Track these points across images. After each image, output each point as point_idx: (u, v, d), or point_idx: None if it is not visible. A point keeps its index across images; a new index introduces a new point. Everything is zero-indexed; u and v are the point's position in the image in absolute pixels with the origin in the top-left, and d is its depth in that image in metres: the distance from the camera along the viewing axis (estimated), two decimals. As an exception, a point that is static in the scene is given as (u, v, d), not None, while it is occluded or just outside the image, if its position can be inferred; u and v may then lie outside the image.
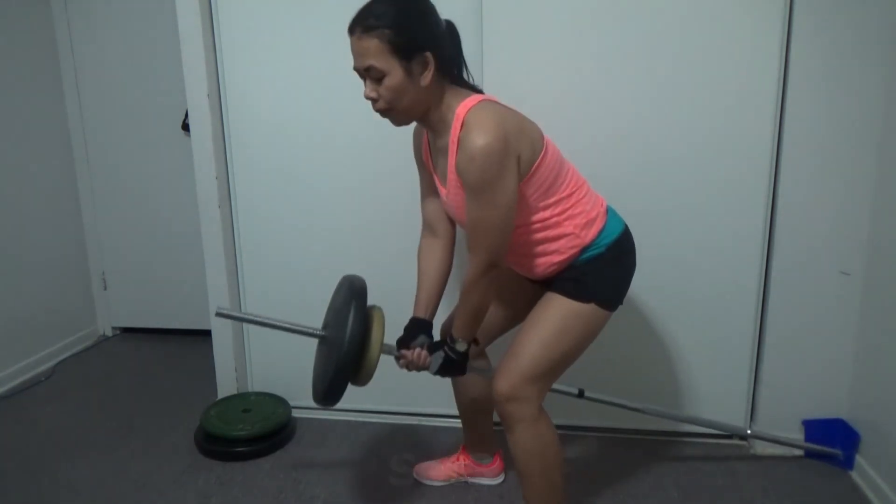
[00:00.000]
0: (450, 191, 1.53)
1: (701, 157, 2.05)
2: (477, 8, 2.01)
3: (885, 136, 1.93)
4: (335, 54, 2.14)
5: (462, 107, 1.44)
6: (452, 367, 1.62)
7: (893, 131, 1.89)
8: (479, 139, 1.37)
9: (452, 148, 1.45)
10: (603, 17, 1.99)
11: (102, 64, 3.02)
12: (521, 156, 1.44)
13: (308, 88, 2.24)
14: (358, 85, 1.50)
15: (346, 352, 1.49)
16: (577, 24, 2.01)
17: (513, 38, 2.04)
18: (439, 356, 1.61)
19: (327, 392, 1.54)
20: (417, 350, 1.62)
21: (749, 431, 2.13)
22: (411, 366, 1.63)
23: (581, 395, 1.84)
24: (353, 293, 1.56)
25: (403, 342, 1.65)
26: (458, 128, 1.43)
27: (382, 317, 1.61)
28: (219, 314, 1.60)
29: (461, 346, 1.59)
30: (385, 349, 1.60)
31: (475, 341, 1.62)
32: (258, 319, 1.65)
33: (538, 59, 2.04)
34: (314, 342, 1.68)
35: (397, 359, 1.64)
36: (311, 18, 2.18)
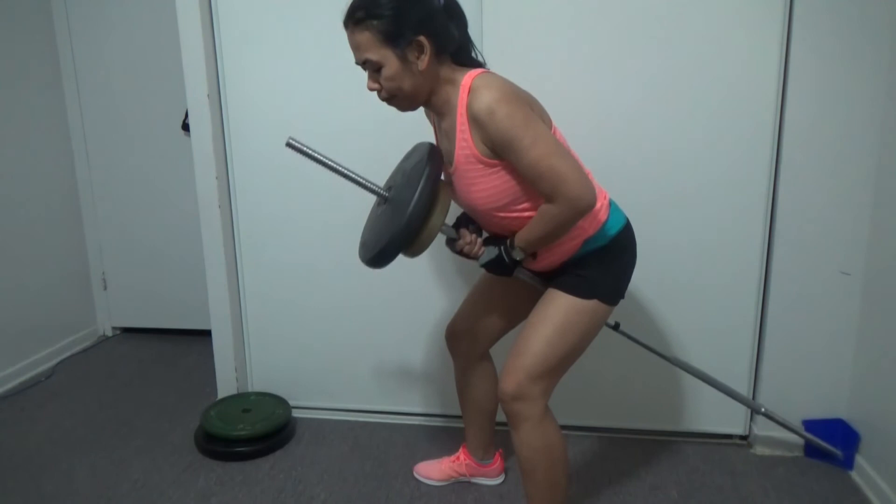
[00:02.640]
0: (457, 169, 1.52)
1: (701, 157, 2.05)
2: (477, 5, 2.02)
3: (885, 136, 1.93)
4: (335, 53, 2.13)
5: (467, 77, 1.44)
6: (501, 266, 1.58)
7: (893, 131, 1.89)
8: (489, 94, 1.38)
9: (461, 119, 1.44)
10: (603, 17, 1.99)
11: (102, 64, 3.02)
12: None
13: (308, 88, 2.24)
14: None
15: (411, 214, 1.43)
16: (577, 21, 2.01)
17: (512, 35, 2.04)
18: (493, 251, 1.58)
19: (380, 252, 1.49)
20: (475, 235, 1.60)
21: (763, 409, 2.04)
22: (466, 248, 1.60)
23: (617, 327, 1.86)
24: (428, 158, 1.51)
25: (462, 222, 1.63)
26: (465, 96, 1.42)
27: (449, 196, 1.56)
28: (289, 144, 1.53)
29: (518, 255, 1.55)
30: (444, 230, 1.56)
31: (533, 255, 1.59)
32: (327, 161, 1.55)
33: (536, 55, 2.04)
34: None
35: (452, 242, 1.62)
36: (311, 18, 2.18)
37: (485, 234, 1.65)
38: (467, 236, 1.60)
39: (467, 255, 1.61)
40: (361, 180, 1.57)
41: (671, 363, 1.97)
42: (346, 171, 1.56)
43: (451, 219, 1.63)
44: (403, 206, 1.45)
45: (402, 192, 1.51)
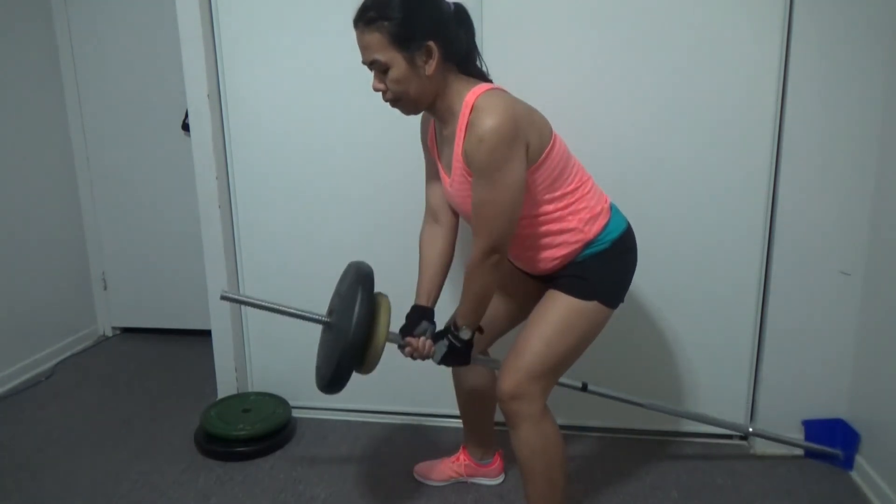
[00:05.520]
0: (454, 180, 1.53)
1: (701, 157, 2.05)
2: (477, 6, 2.01)
3: (885, 136, 1.93)
4: (335, 53, 2.15)
5: (471, 94, 1.45)
6: (457, 355, 1.60)
7: (893, 131, 1.89)
8: (489, 120, 1.37)
9: (460, 134, 1.45)
10: (602, 18, 1.99)
11: (102, 64, 3.02)
12: (529, 144, 1.44)
13: (308, 88, 2.24)
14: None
15: (352, 338, 1.47)
16: (576, 23, 2.01)
17: (513, 38, 2.04)
18: (443, 345, 1.60)
19: (333, 379, 1.52)
20: (422, 339, 1.61)
21: (750, 430, 2.13)
22: (416, 354, 1.61)
23: (584, 388, 1.84)
24: (359, 279, 1.55)
25: (407, 330, 1.63)
26: (468, 113, 1.43)
27: (389, 304, 1.60)
28: (224, 297, 1.59)
29: (465, 334, 1.57)
30: (391, 337, 1.58)
31: (479, 329, 1.61)
32: (263, 304, 1.62)
33: (537, 59, 2.04)
34: (316, 339, 1.69)
35: (401, 347, 1.63)
36: (312, 18, 2.18)
37: (429, 332, 1.63)
38: (413, 342, 1.61)
39: (421, 358, 1.62)
40: (301, 313, 1.63)
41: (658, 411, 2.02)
42: (284, 309, 1.62)
43: (395, 325, 1.63)
44: (345, 332, 1.49)
45: (342, 317, 1.55)
